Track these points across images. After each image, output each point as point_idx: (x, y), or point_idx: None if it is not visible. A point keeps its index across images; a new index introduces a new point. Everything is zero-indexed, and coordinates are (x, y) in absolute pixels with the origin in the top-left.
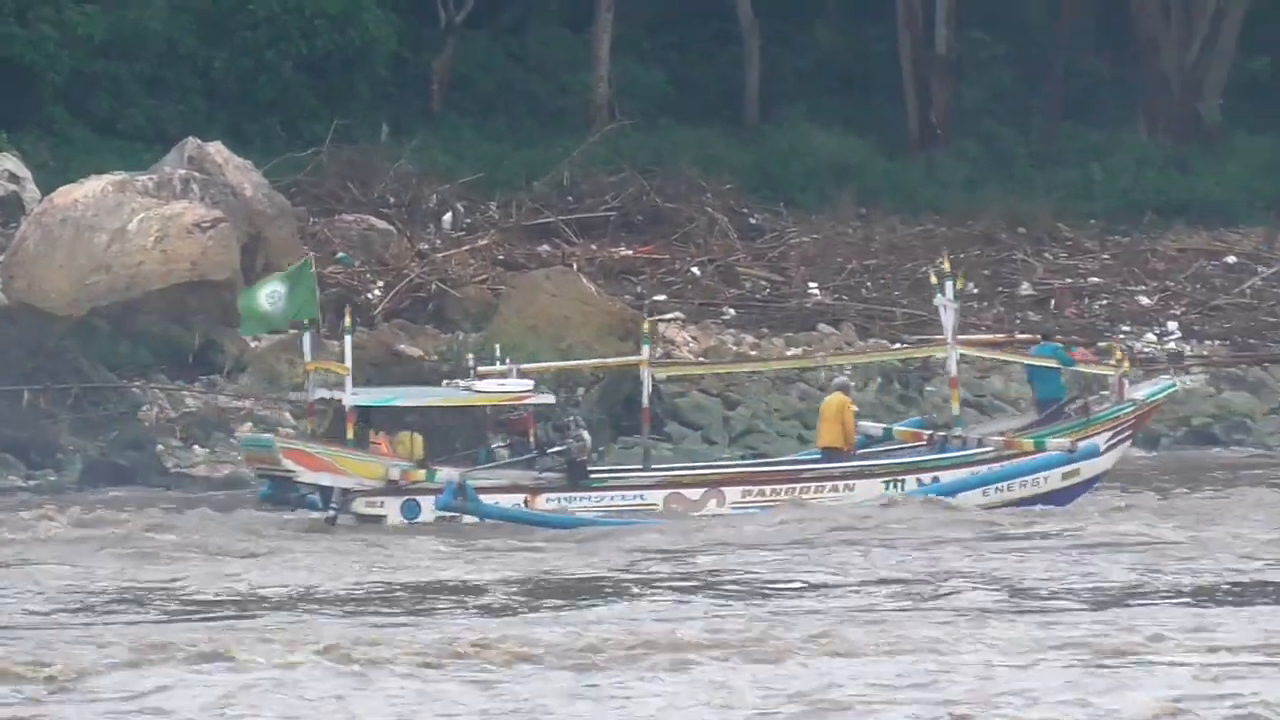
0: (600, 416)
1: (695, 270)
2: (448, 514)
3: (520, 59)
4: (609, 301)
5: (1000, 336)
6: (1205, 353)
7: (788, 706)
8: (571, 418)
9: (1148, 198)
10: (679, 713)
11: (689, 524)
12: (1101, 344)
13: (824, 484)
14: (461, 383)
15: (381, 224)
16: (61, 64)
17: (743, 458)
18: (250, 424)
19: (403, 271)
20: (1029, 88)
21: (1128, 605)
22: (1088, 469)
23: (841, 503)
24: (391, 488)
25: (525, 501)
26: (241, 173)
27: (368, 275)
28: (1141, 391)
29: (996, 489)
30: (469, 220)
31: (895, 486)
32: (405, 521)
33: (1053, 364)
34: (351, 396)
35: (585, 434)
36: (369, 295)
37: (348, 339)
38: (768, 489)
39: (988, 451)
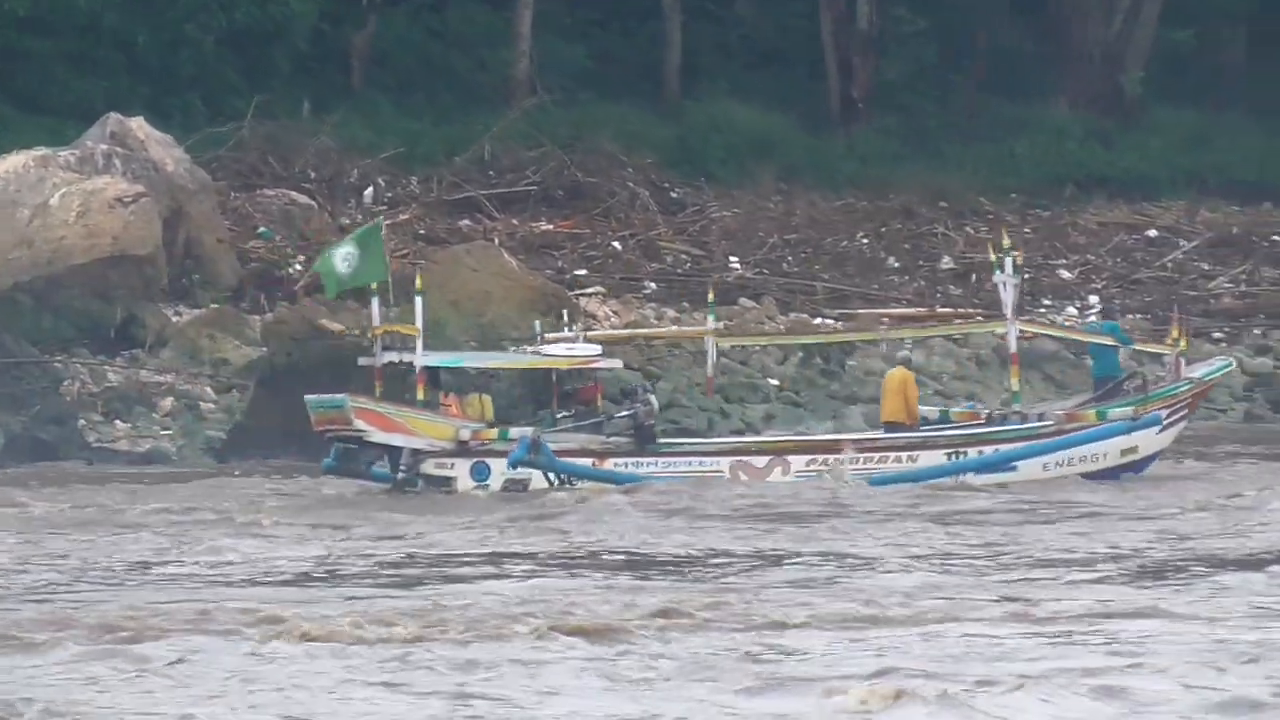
0: (523, 391)
1: (616, 245)
2: (518, 474)
3: (441, 35)
4: (530, 276)
5: (922, 311)
6: (1126, 326)
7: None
8: (639, 384)
9: (1069, 171)
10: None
11: (757, 488)
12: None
13: (887, 455)
14: (529, 347)
15: (303, 199)
16: None
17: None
18: (172, 399)
19: (324, 246)
20: (950, 62)
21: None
22: (1145, 446)
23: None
24: (462, 449)
25: (593, 466)
26: (163, 148)
27: (289, 250)
28: (1198, 370)
29: (1057, 462)
30: (390, 195)
31: (957, 457)
32: (474, 483)
33: (1109, 341)
34: (423, 357)
35: (653, 398)
36: (290, 270)
37: (419, 300)
38: (831, 458)
39: (1048, 425)
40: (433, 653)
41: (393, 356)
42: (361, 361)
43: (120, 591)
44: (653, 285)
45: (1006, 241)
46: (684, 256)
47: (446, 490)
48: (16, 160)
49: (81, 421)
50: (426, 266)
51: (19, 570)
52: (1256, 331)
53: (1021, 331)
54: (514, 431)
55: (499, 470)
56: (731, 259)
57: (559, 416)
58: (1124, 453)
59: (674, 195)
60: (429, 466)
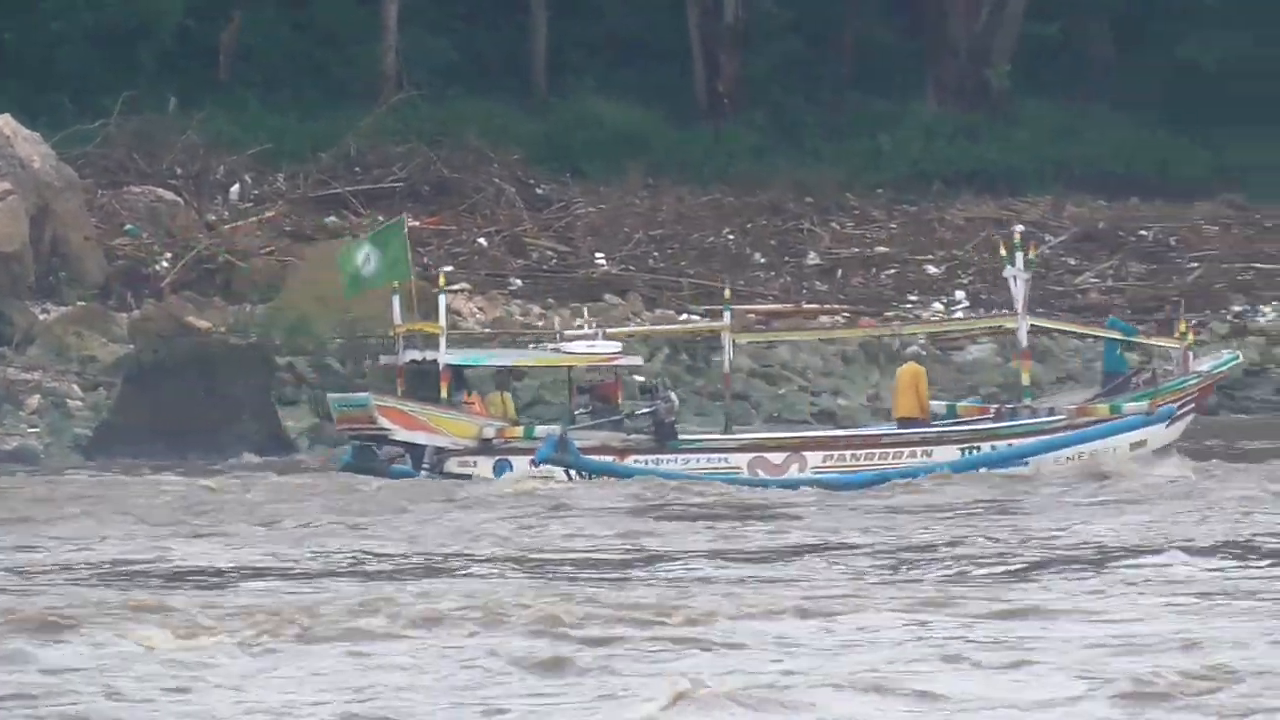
0: (387, 388)
1: (482, 241)
2: (539, 471)
3: (308, 30)
4: None
5: (788, 306)
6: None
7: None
8: (659, 380)
9: (936, 166)
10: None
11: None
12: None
13: (902, 450)
14: (550, 345)
15: (169, 195)
16: None
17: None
18: (39, 396)
19: (190, 243)
20: (817, 57)
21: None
22: (1154, 440)
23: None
24: (484, 447)
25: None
26: (30, 145)
27: (156, 247)
28: (1206, 364)
29: (1069, 456)
30: (256, 191)
31: (971, 452)
32: (497, 481)
33: (1115, 335)
34: (446, 356)
35: (673, 395)
36: (157, 267)
37: (442, 299)
38: (848, 454)
39: (1059, 419)
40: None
41: (415, 355)
42: (383, 360)
43: None
44: (519, 281)
45: (1017, 237)
46: (550, 253)
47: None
48: None
49: None
50: (293, 263)
51: None
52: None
53: (1032, 326)
54: (540, 430)
55: (521, 468)
56: (598, 255)
57: (577, 413)
58: (1133, 446)
59: (540, 191)
60: (452, 465)
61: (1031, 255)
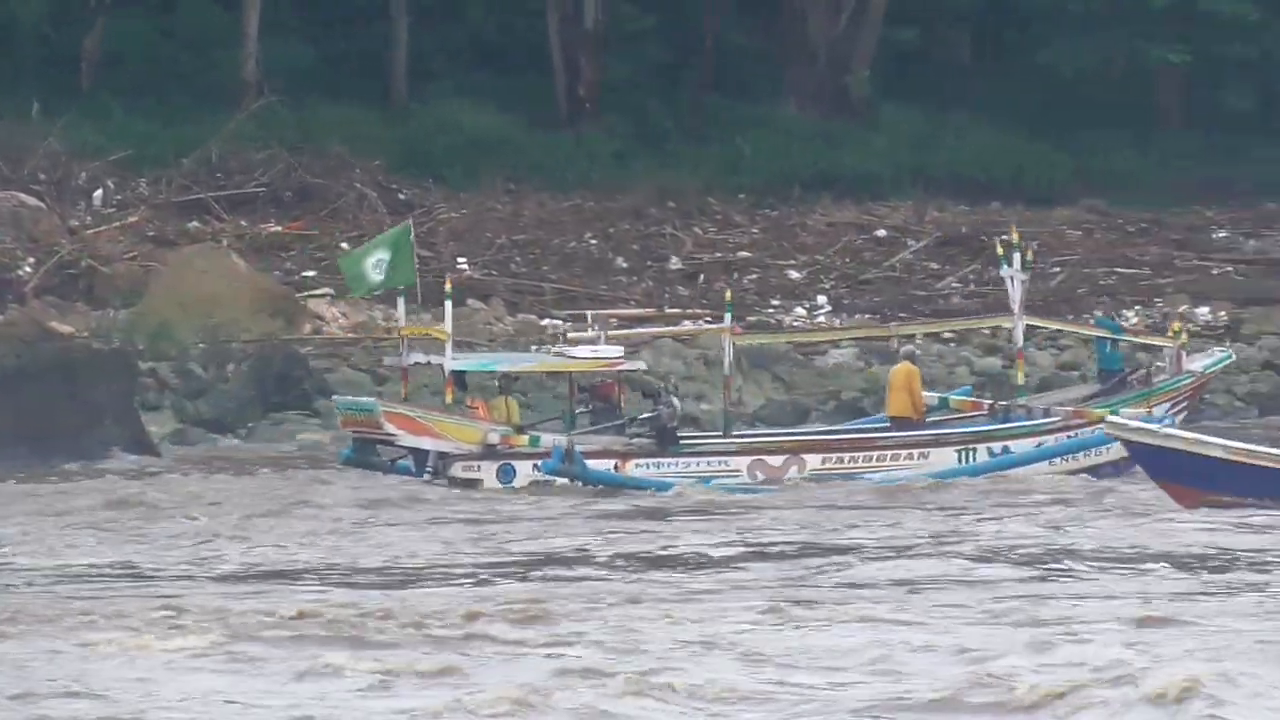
0: (251, 392)
1: (345, 246)
2: (544, 476)
3: (171, 36)
4: (259, 278)
5: (650, 311)
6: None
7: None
8: (662, 384)
9: (796, 171)
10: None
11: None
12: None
13: (899, 452)
14: (553, 349)
15: (32, 201)
16: None
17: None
18: None
19: (53, 248)
20: (678, 61)
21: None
22: None
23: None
24: (489, 452)
25: (615, 467)
26: None
27: (18, 252)
28: (1199, 363)
29: (1063, 458)
30: (119, 197)
31: (968, 455)
32: (501, 486)
33: (1103, 333)
34: (451, 361)
35: (675, 400)
36: (19, 272)
37: (448, 304)
38: (845, 456)
39: (1055, 421)
40: None
41: (419, 358)
42: (387, 362)
43: None
44: None
45: (1015, 237)
46: None
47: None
48: None
49: None
50: (156, 269)
51: None
52: (985, 331)
53: (1029, 326)
54: (545, 439)
55: (525, 472)
56: (459, 260)
57: (577, 414)
58: None
59: (401, 197)
60: (456, 469)
61: (1029, 256)
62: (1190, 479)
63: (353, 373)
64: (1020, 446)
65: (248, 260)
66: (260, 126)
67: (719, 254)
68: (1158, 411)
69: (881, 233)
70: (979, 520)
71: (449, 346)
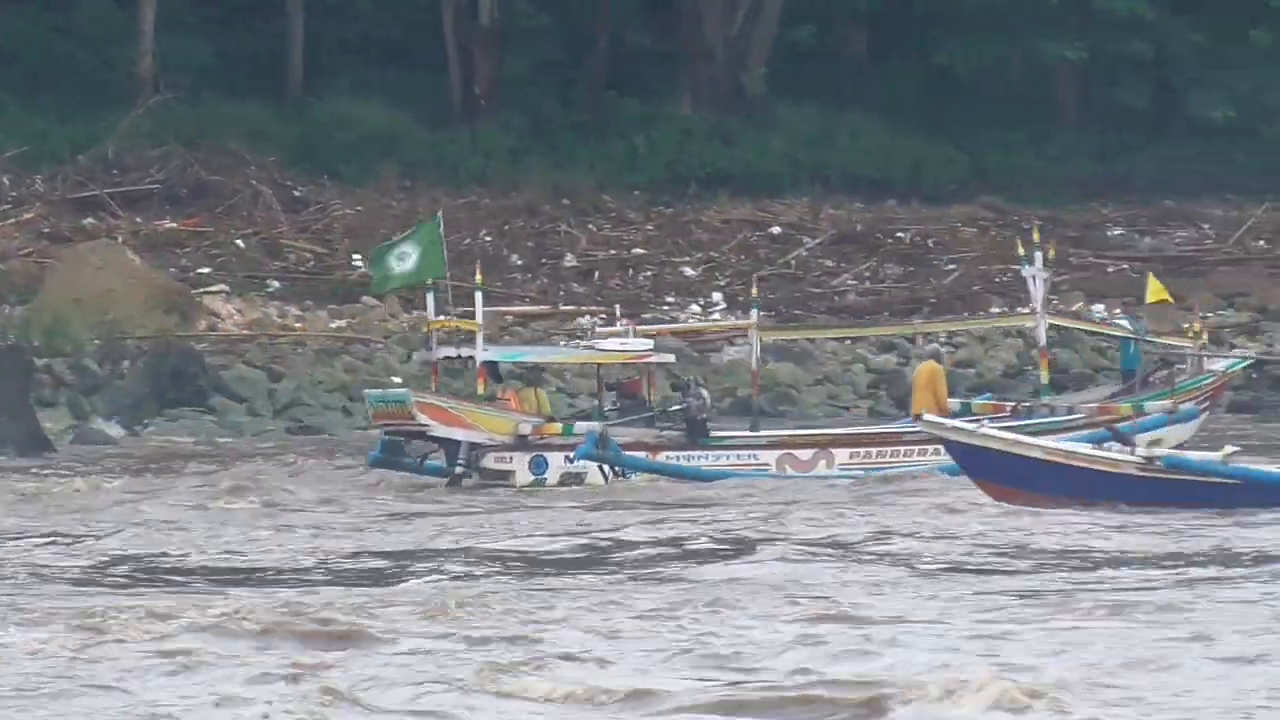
0: (146, 389)
1: (240, 243)
2: (575, 467)
3: (67, 33)
4: (154, 274)
5: (545, 308)
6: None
7: None
8: (691, 377)
9: (692, 169)
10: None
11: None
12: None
13: (926, 447)
14: (582, 342)
15: None
16: None
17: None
18: None
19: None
20: (573, 59)
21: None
22: (1168, 439)
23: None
24: (520, 443)
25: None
26: None
27: None
28: (1220, 364)
29: None
30: (15, 194)
31: None
32: (533, 477)
33: (1128, 334)
34: (483, 352)
35: (704, 392)
36: None
37: (478, 295)
38: (874, 451)
39: (1080, 418)
40: None
41: (449, 351)
42: (417, 356)
43: None
44: (276, 283)
45: (1037, 235)
46: (307, 255)
47: (504, 484)
48: None
49: None
50: (51, 266)
51: None
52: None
53: (1051, 325)
54: (579, 426)
55: (557, 464)
56: (355, 257)
57: (606, 409)
58: (1149, 445)
59: (297, 193)
60: (488, 461)
61: (1051, 253)
62: (1009, 479)
63: (247, 369)
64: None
65: (143, 257)
66: (156, 123)
67: (614, 251)
68: (1184, 408)
69: (777, 230)
70: (805, 520)
71: (480, 338)
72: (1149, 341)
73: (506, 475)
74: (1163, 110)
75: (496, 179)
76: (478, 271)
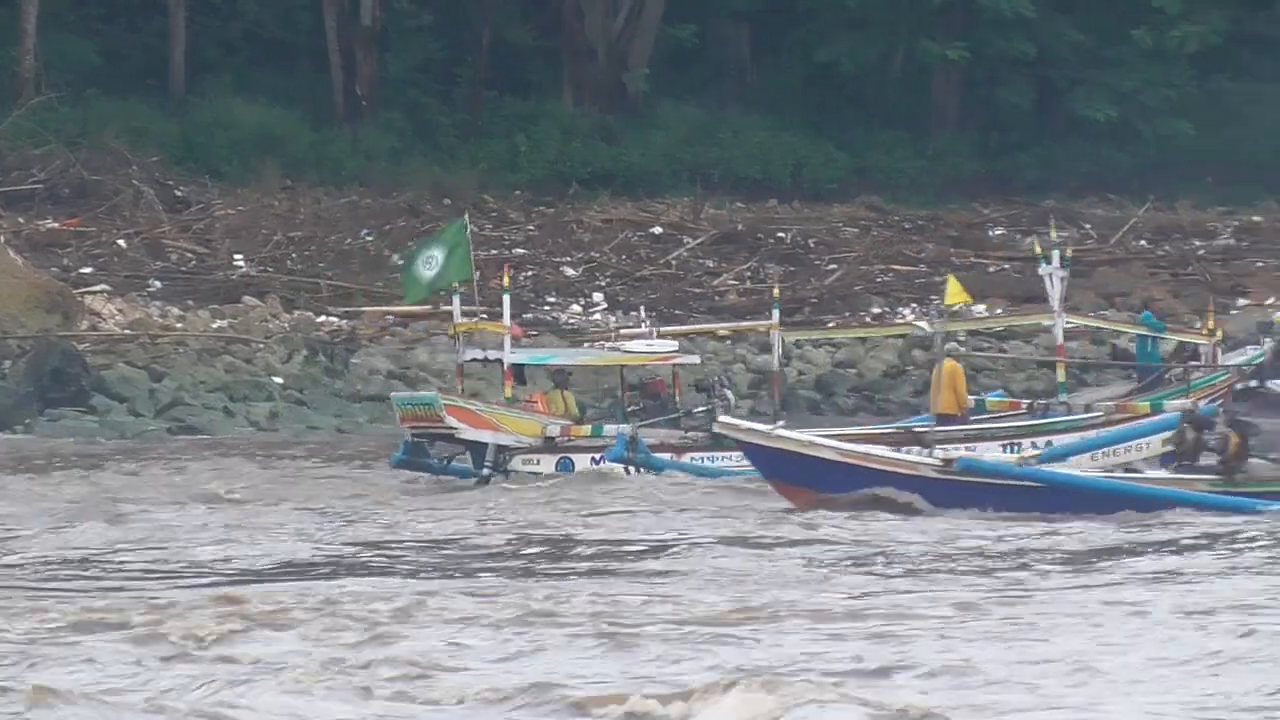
0: (27, 389)
1: (122, 243)
2: (602, 469)
3: None
4: (35, 274)
5: (425, 308)
6: (629, 324)
7: None
8: (716, 378)
9: (573, 168)
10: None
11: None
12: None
13: (947, 446)
14: (607, 344)
15: None
16: None
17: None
18: None
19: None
20: (455, 58)
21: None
22: None
23: None
24: (548, 445)
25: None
26: None
27: None
28: (1235, 359)
29: (1105, 453)
30: None
31: (1013, 449)
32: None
33: (1144, 330)
34: (511, 355)
35: (729, 394)
36: None
37: (506, 298)
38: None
39: (1099, 416)
40: None
41: (476, 353)
42: (442, 359)
43: None
44: (158, 283)
45: (1054, 233)
46: (189, 254)
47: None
48: None
49: None
50: None
51: None
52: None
53: (1068, 323)
54: (608, 428)
55: (583, 466)
56: (236, 256)
57: (629, 411)
58: (1165, 443)
59: (179, 193)
60: (516, 463)
61: (1068, 254)
62: (803, 480)
63: (129, 369)
64: (1063, 441)
65: (25, 257)
66: (38, 123)
67: (495, 251)
68: (1202, 405)
69: (658, 230)
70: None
71: (508, 340)
72: (1167, 338)
73: (534, 477)
74: (1045, 110)
75: (378, 178)
76: (506, 275)
